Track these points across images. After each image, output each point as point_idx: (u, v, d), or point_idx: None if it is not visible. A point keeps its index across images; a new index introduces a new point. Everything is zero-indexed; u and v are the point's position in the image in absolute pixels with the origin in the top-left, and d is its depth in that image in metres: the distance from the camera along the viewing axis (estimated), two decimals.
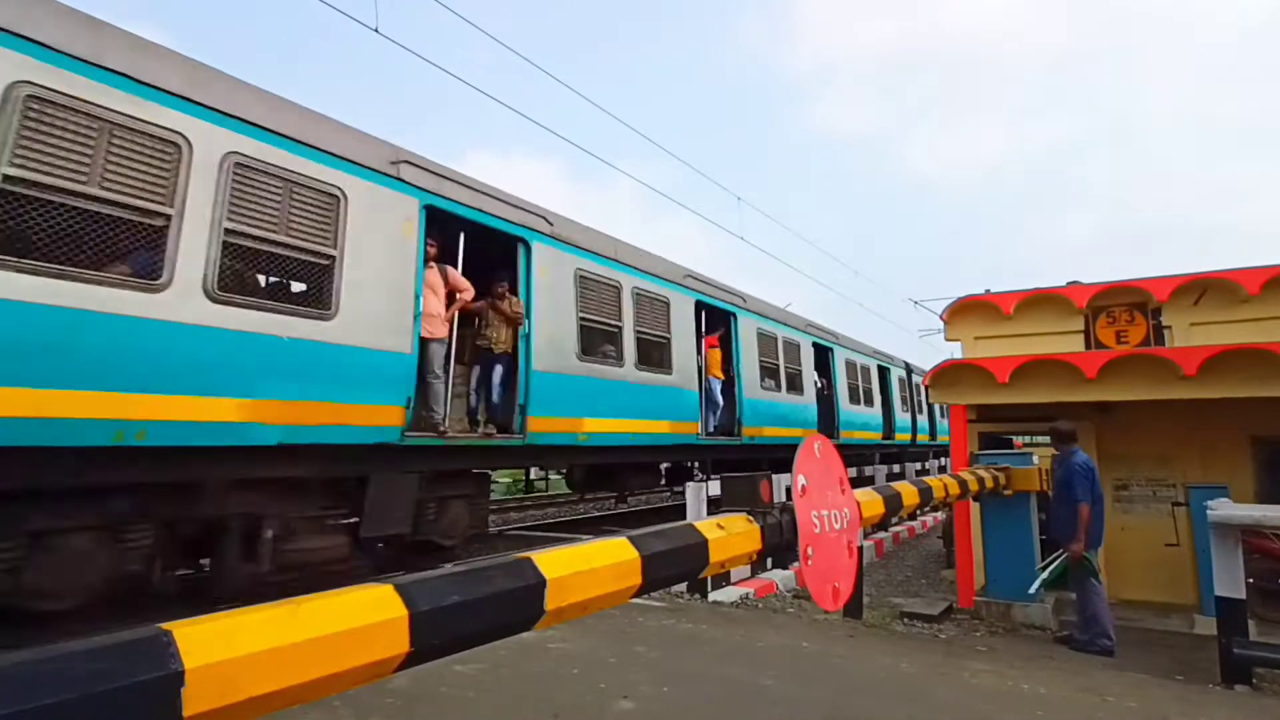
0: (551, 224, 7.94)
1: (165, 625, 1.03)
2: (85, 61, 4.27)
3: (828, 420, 14.74)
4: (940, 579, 8.31)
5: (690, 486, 7.51)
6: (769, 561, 7.86)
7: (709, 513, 7.21)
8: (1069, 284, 7.94)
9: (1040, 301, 7.92)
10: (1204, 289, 7.18)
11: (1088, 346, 7.62)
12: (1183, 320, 7.27)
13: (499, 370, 7.36)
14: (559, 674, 4.20)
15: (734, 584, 7.03)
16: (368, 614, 1.28)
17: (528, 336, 7.33)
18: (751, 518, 2.57)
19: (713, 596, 6.61)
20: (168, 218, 4.53)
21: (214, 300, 4.71)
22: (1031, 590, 5.82)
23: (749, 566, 7.19)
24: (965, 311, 8.31)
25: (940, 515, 11.71)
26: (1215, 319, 7.07)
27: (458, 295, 6.96)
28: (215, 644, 1.05)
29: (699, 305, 10.55)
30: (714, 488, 7.42)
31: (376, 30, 9.83)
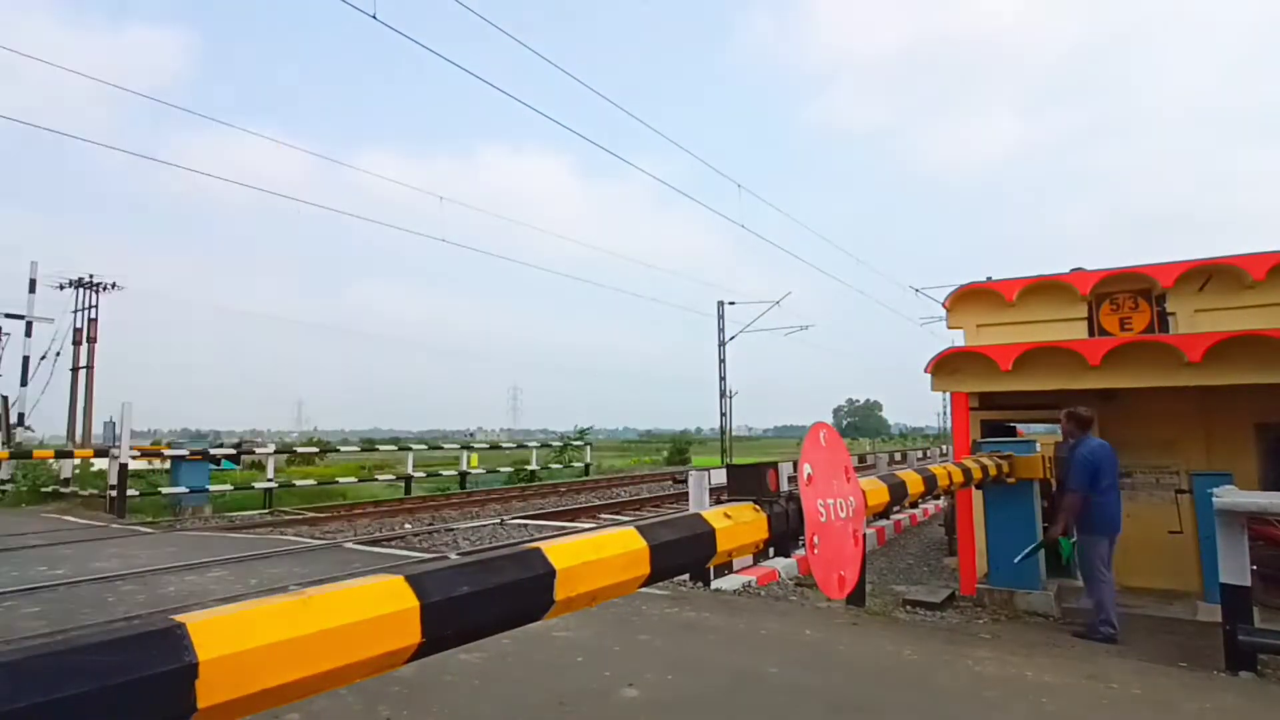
0: None
1: (179, 617, 1.03)
2: None
3: None
4: (942, 567, 8.34)
5: (693, 475, 7.51)
6: (771, 550, 7.88)
7: (711, 502, 7.23)
8: (1073, 270, 7.91)
9: (1043, 289, 7.88)
10: (1209, 275, 7.14)
11: (1091, 334, 7.59)
12: (1187, 307, 7.24)
13: None
14: (564, 662, 4.22)
15: (736, 572, 7.05)
16: (379, 605, 1.28)
17: None
18: (758, 506, 2.57)
19: (715, 585, 6.63)
20: None
21: None
22: (1016, 559, 5.91)
23: (751, 555, 7.20)
24: (967, 299, 8.27)
25: (942, 503, 11.72)
26: (1220, 305, 7.04)
27: None
28: (228, 636, 1.05)
29: None
30: (717, 476, 7.42)
31: (374, 17, 9.74)
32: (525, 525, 11.32)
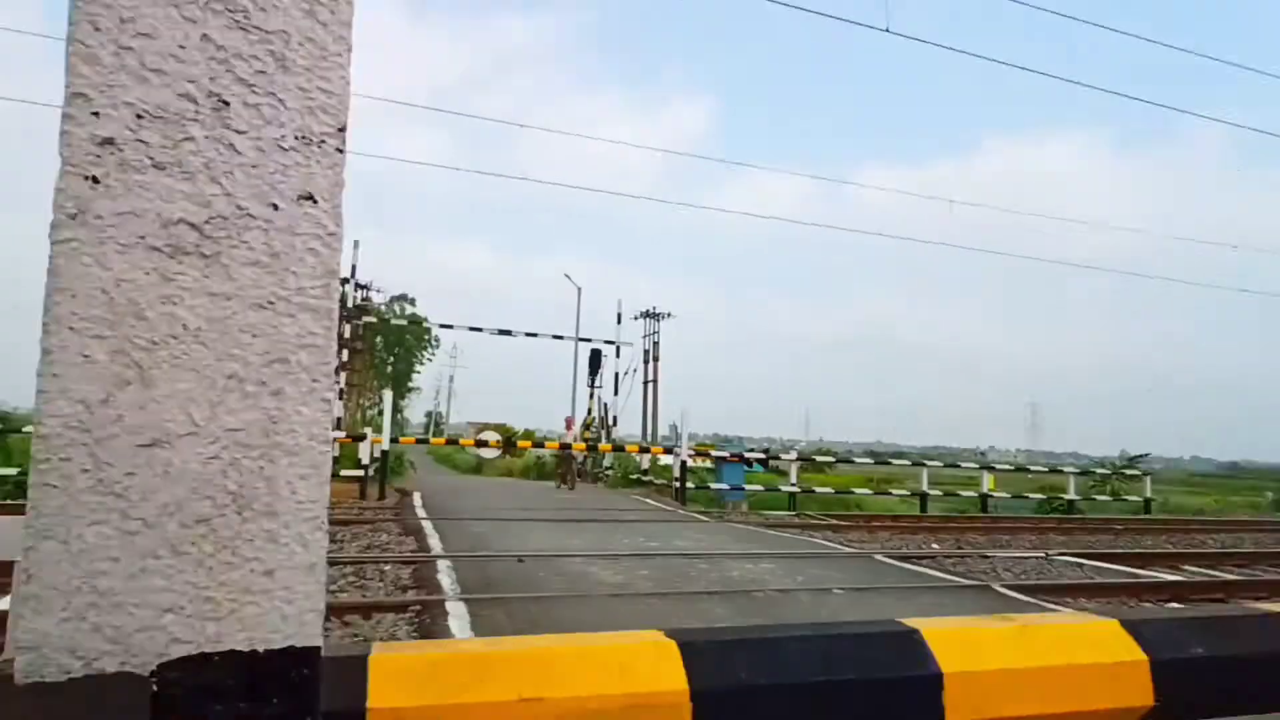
0: None
1: (908, 622, 1.01)
2: None
3: None
4: None
5: None
6: None
7: None
8: None
9: None
10: None
11: None
12: None
13: None
14: None
15: None
16: (1099, 650, 1.07)
17: None
18: None
19: None
20: None
21: None
22: None
23: None
24: None
25: None
26: None
27: None
28: (958, 651, 0.98)
29: None
30: None
31: (888, 30, 9.80)
32: (1081, 565, 9.64)
